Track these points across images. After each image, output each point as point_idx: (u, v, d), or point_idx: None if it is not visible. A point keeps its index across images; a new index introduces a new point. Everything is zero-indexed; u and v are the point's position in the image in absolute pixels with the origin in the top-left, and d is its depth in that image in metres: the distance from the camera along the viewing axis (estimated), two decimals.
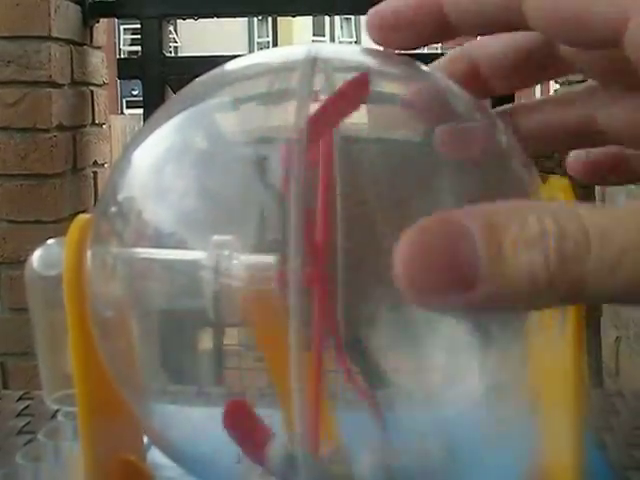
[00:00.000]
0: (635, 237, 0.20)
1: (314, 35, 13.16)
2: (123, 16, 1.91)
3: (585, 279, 0.20)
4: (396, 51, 0.30)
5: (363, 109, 0.32)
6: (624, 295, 0.20)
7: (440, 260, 0.20)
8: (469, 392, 0.30)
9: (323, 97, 0.29)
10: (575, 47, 0.26)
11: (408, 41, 0.29)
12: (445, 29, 0.28)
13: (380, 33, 0.29)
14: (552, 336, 0.28)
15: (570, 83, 1.55)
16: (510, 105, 0.32)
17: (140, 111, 1.84)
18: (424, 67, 0.31)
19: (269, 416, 0.30)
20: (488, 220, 0.20)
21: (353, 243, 0.28)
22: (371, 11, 0.28)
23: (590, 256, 0.20)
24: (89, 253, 0.30)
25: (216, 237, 0.28)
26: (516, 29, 0.26)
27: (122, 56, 10.10)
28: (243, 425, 0.28)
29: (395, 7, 0.28)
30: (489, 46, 0.30)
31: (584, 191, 1.06)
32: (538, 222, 0.20)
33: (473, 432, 0.30)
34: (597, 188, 1.11)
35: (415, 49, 0.29)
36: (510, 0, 0.25)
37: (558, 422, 0.28)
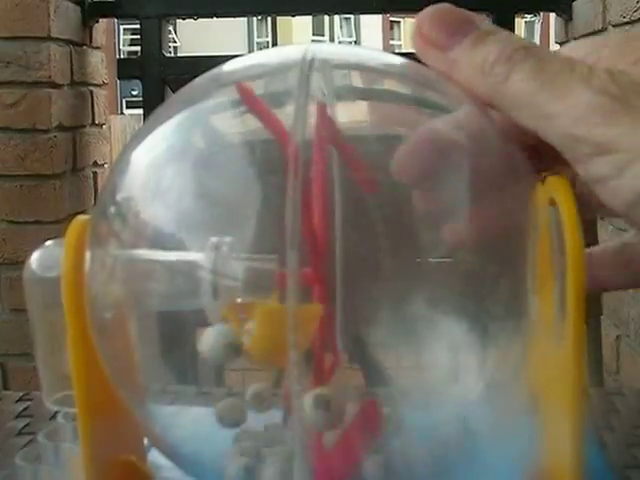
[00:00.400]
0: (559, 64, 0.27)
1: (314, 35, 13.16)
2: (123, 16, 1.91)
3: (511, 75, 0.27)
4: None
5: (363, 108, 0.32)
6: (523, 101, 0.27)
7: (443, 23, 0.29)
8: (469, 391, 0.30)
9: (320, 97, 0.29)
10: None
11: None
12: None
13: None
14: (552, 335, 0.28)
15: None
16: None
17: (140, 111, 1.84)
18: (421, 65, 0.31)
19: None
20: (494, 27, 0.29)
21: (352, 243, 0.28)
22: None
23: (524, 63, 0.27)
24: (88, 254, 0.30)
25: (214, 238, 0.28)
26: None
27: (122, 56, 10.10)
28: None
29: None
30: None
31: None
32: (516, 40, 0.28)
33: (473, 431, 0.30)
34: None
35: None
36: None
37: (558, 421, 0.28)
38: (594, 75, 0.27)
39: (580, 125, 0.26)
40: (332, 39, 13.73)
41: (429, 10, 0.29)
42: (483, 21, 0.29)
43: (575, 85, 0.27)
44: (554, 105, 0.27)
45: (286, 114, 0.28)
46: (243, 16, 2.15)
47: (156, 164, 0.31)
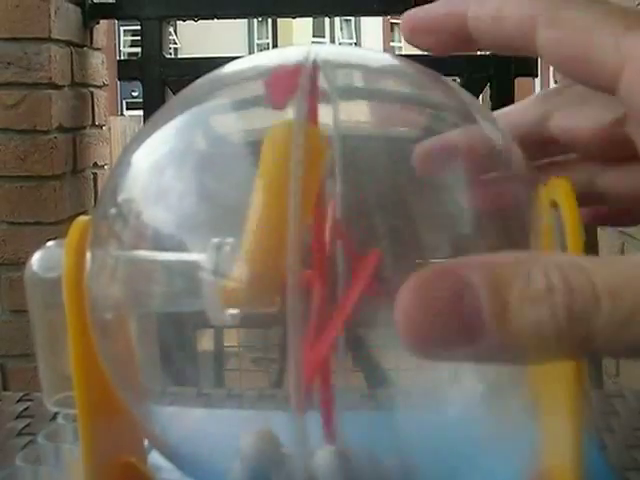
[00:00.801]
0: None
1: (314, 36, 13.16)
2: (123, 17, 1.91)
3: (594, 335, 0.20)
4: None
5: (364, 107, 0.32)
6: (633, 352, 0.20)
7: (444, 311, 0.20)
8: (469, 393, 0.30)
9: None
10: (580, 84, 0.26)
11: (435, 46, 0.29)
12: (467, 41, 0.28)
13: (412, 35, 0.29)
14: None
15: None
16: None
17: (140, 112, 1.84)
18: (422, 66, 0.31)
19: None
20: (492, 273, 0.20)
21: (353, 242, 0.28)
22: (407, 13, 0.30)
23: (600, 313, 0.20)
24: (88, 255, 0.30)
25: (216, 239, 0.28)
26: (530, 54, 0.27)
27: (122, 57, 10.10)
28: None
29: (426, 13, 0.29)
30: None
31: None
32: (544, 277, 0.20)
33: (473, 433, 0.30)
34: None
35: (442, 54, 0.30)
36: (526, 30, 0.26)
37: (558, 423, 0.28)
38: None
39: None
40: (332, 41, 13.72)
41: (406, 303, 0.20)
42: (471, 267, 0.21)
43: None
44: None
45: (287, 115, 0.28)
46: (243, 17, 2.15)
47: (157, 165, 0.31)
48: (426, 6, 0.29)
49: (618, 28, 0.24)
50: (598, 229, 1.08)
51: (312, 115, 0.28)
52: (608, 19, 0.24)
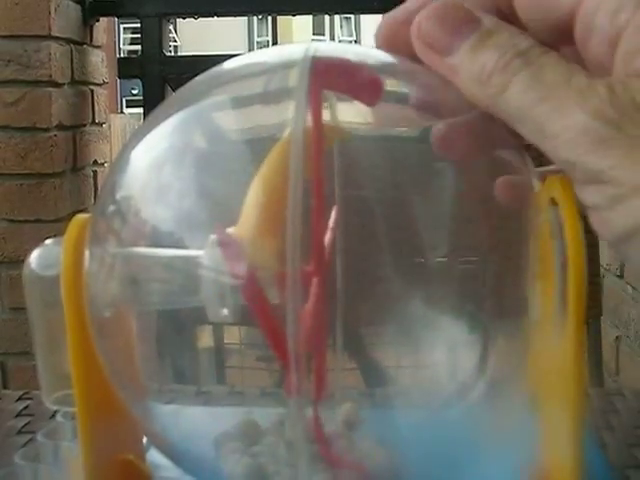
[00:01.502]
0: (556, 75, 0.25)
1: (314, 34, 13.15)
2: (123, 15, 1.91)
3: (508, 87, 0.26)
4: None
5: (363, 106, 0.32)
6: (522, 114, 0.26)
7: (444, 24, 0.27)
8: (468, 390, 0.30)
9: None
10: (546, 30, 0.28)
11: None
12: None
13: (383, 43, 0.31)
14: (552, 335, 0.28)
15: None
16: None
17: (140, 110, 1.84)
18: (421, 66, 0.31)
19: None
20: (498, 23, 0.27)
21: (352, 242, 0.28)
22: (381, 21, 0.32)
23: (521, 73, 0.25)
24: (87, 253, 0.30)
25: (214, 235, 0.28)
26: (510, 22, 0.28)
27: (122, 55, 10.09)
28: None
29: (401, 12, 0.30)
30: None
31: None
32: (520, 40, 0.26)
33: (472, 431, 0.30)
34: None
35: None
36: None
37: (558, 421, 0.28)
38: (592, 92, 0.25)
39: (573, 149, 0.25)
40: (332, 39, 13.72)
41: (430, 8, 0.28)
42: (488, 17, 0.27)
43: (570, 103, 0.25)
44: (549, 124, 0.25)
45: (286, 112, 0.28)
46: (243, 15, 2.15)
47: (156, 162, 0.31)
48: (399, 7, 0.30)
49: None
50: None
51: (315, 113, 0.28)
52: None
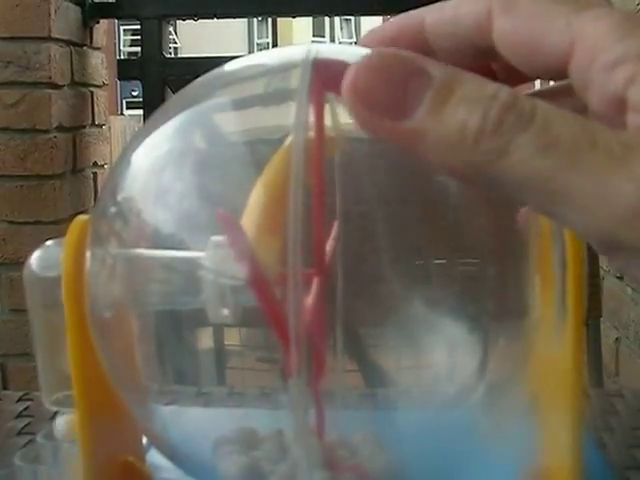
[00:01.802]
0: (574, 134, 0.20)
1: (314, 36, 13.16)
2: (123, 17, 1.91)
3: (509, 153, 0.20)
4: None
5: None
6: (531, 187, 0.21)
7: (389, 82, 0.22)
8: (468, 392, 0.30)
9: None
10: (535, 76, 0.25)
11: None
12: (424, 53, 0.25)
13: None
14: (552, 336, 0.28)
15: None
16: None
17: (140, 112, 1.84)
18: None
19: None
20: (451, 73, 0.22)
21: (352, 243, 0.28)
22: (364, 37, 0.28)
23: (526, 133, 0.20)
24: (88, 254, 0.30)
25: (215, 237, 0.28)
26: (489, 57, 0.25)
27: (122, 57, 10.10)
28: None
29: (381, 31, 0.28)
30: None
31: None
32: (495, 89, 0.21)
33: (472, 432, 0.30)
34: None
35: None
36: (482, 22, 0.25)
37: (557, 422, 0.28)
38: (630, 155, 0.20)
39: (618, 225, 0.20)
40: (332, 40, 13.72)
41: (365, 60, 0.22)
42: (434, 63, 0.22)
43: (605, 171, 0.20)
44: (581, 197, 0.20)
45: (287, 114, 0.28)
46: (243, 17, 2.15)
47: (157, 164, 0.31)
48: (381, 25, 0.28)
49: (569, 9, 0.23)
50: None
51: (318, 114, 0.28)
52: (560, 3, 0.23)
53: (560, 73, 0.24)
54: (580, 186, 0.20)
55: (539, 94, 0.28)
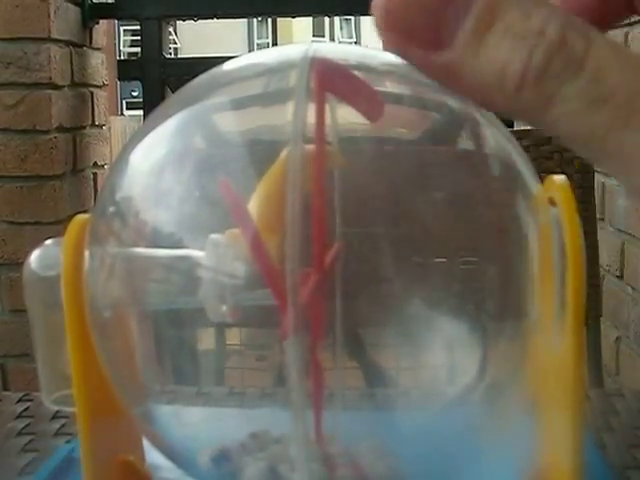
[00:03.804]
0: (630, 84, 0.18)
1: (314, 36, 13.16)
2: (123, 17, 1.91)
3: (555, 103, 0.18)
4: None
5: None
6: (578, 142, 0.19)
7: (424, 5, 0.19)
8: (468, 391, 0.30)
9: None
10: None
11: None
12: None
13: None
14: (552, 336, 0.28)
15: None
16: None
17: (140, 112, 1.84)
18: None
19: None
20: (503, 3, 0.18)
21: (352, 243, 0.28)
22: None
23: (575, 82, 0.18)
24: (87, 253, 0.30)
25: (214, 236, 0.28)
26: None
27: (122, 57, 10.10)
28: None
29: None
30: None
31: (584, 191, 1.06)
32: (543, 21, 0.18)
33: (472, 432, 0.30)
34: (597, 188, 1.11)
35: None
36: None
37: (557, 422, 0.28)
38: None
39: None
40: (332, 40, 13.72)
41: None
42: None
43: None
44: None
45: (286, 113, 0.28)
46: (243, 17, 2.15)
47: (156, 163, 0.31)
48: None
49: None
50: (598, 229, 1.08)
51: (319, 113, 0.28)
52: None
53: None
54: (635, 145, 0.18)
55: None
